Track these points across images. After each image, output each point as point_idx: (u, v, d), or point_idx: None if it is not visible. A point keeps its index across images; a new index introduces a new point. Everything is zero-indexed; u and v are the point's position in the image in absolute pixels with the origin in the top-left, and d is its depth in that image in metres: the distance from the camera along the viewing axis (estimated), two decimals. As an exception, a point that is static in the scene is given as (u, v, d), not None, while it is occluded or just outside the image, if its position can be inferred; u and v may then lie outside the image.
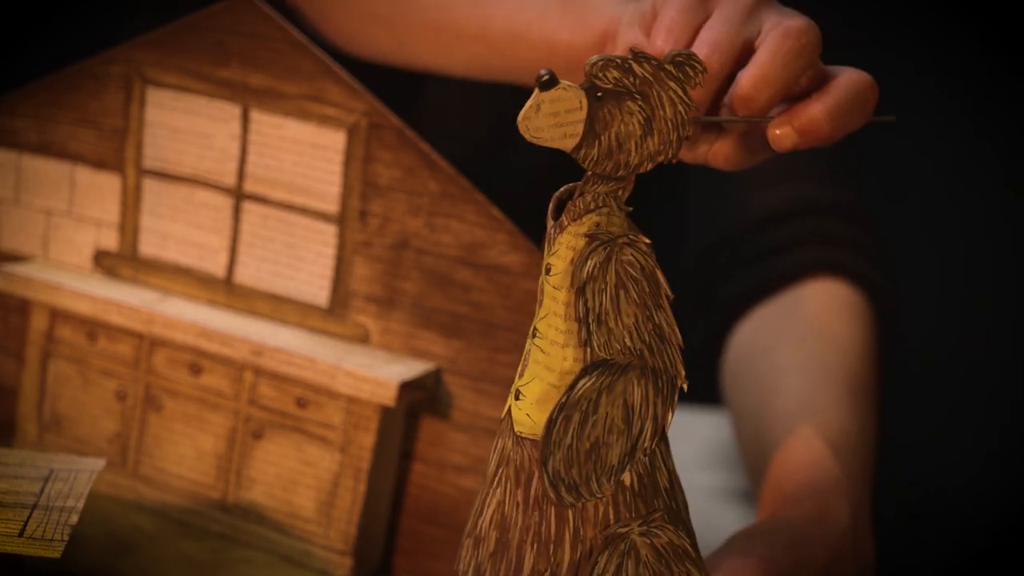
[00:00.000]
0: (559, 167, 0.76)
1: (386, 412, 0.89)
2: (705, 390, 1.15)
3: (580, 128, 0.68)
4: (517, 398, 0.71)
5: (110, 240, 0.98)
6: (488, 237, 0.88)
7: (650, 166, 0.70)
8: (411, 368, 0.89)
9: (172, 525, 0.94)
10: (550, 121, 0.68)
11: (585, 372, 0.69)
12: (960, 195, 1.57)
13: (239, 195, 0.94)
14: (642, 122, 0.69)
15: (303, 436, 0.92)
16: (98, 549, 0.90)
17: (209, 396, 0.94)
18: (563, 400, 0.69)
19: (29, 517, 0.75)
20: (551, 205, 0.71)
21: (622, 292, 0.69)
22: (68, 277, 0.98)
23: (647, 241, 0.70)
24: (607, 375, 0.69)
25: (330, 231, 0.92)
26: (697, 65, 0.69)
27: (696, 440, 1.28)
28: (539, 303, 0.70)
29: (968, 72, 1.54)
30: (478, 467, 0.89)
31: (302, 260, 0.93)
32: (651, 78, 0.69)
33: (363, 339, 0.92)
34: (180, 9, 0.94)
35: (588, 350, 0.69)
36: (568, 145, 0.69)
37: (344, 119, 0.90)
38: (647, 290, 0.70)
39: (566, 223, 0.70)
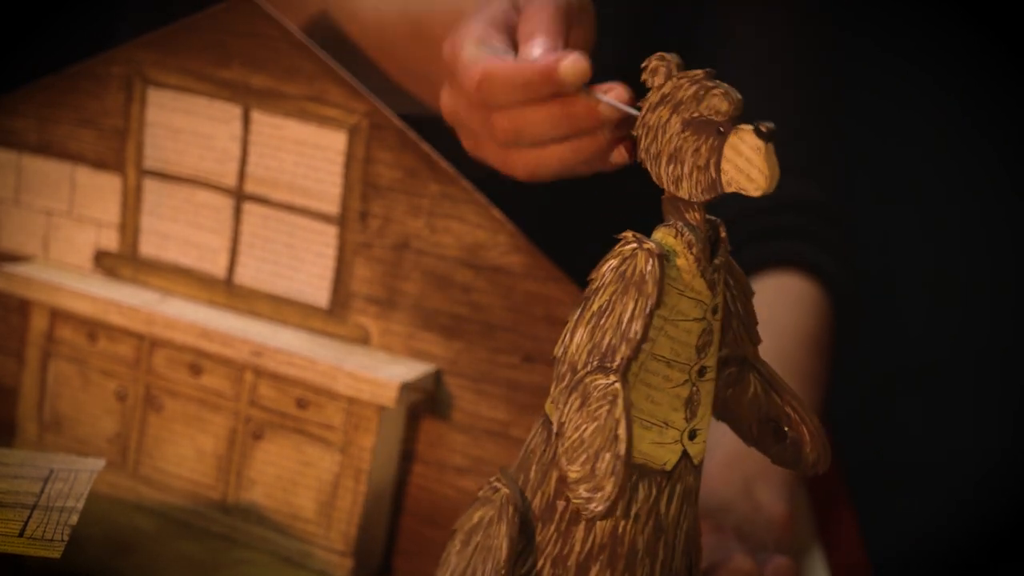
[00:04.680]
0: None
1: (386, 413, 0.89)
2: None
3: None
4: (692, 438, 0.71)
5: (110, 240, 0.98)
6: (489, 238, 0.88)
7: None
8: (411, 369, 0.89)
9: (172, 526, 0.94)
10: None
11: None
12: (960, 195, 1.57)
13: (240, 196, 0.94)
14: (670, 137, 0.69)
15: (303, 437, 0.92)
16: (98, 549, 0.90)
17: (209, 397, 0.94)
18: None
19: (29, 517, 0.75)
20: (707, 246, 0.70)
21: None
22: (68, 277, 0.98)
23: None
24: None
25: (331, 232, 0.92)
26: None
27: None
28: (708, 345, 0.70)
29: (968, 72, 1.54)
30: (478, 468, 0.89)
31: (302, 261, 0.93)
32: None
33: (363, 340, 0.92)
34: (181, 10, 0.94)
35: None
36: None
37: (345, 120, 0.90)
38: None
39: (721, 260, 0.70)
